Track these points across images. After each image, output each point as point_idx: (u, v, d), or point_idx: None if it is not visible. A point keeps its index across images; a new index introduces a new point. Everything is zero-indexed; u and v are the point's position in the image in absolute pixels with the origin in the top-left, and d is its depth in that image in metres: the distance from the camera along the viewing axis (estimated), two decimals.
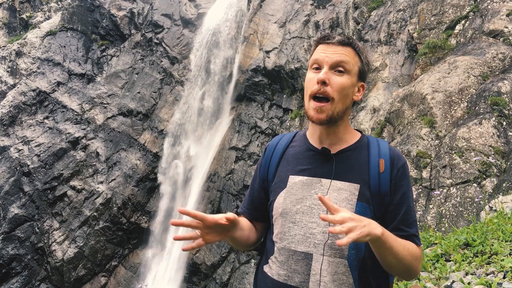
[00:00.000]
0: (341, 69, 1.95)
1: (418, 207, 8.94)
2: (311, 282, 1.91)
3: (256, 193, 2.24)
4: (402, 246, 1.85)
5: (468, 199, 8.21)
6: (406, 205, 1.98)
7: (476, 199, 7.98)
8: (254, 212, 2.25)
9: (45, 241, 19.87)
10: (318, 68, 1.98)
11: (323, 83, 1.92)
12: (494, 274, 3.96)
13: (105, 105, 22.34)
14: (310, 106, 1.97)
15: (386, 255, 1.82)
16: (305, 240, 1.94)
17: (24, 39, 24.88)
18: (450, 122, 10.04)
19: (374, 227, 1.73)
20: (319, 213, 1.93)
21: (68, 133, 21.61)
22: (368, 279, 1.95)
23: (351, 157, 2.02)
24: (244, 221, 2.18)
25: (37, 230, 20.06)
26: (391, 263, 1.85)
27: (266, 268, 2.08)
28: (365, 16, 17.92)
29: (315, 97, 1.96)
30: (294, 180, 2.04)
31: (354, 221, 1.67)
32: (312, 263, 1.92)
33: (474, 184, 8.45)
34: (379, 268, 1.94)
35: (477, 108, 9.84)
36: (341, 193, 1.95)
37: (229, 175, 18.38)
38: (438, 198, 8.62)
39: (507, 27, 11.55)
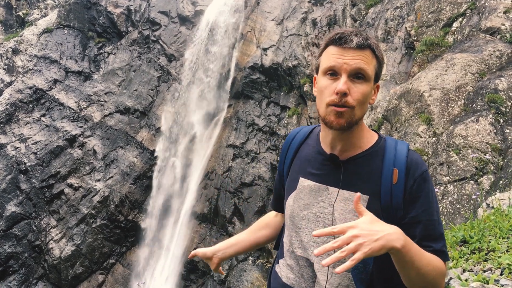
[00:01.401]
0: (360, 75, 1.80)
1: None
2: None
3: (278, 186, 2.26)
4: (427, 260, 1.69)
5: (465, 196, 8.23)
6: (426, 218, 1.79)
7: (473, 196, 7.99)
8: (280, 204, 2.26)
9: (42, 239, 19.83)
10: (334, 74, 1.81)
11: (344, 94, 1.76)
12: (491, 271, 3.97)
13: (102, 102, 22.28)
14: (330, 111, 1.81)
15: (406, 268, 1.67)
16: (309, 247, 1.90)
17: (21, 36, 24.78)
18: (447, 119, 10.05)
19: (393, 239, 1.57)
20: (324, 222, 1.87)
21: (65, 130, 21.56)
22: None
23: (362, 165, 1.88)
24: (245, 234, 2.43)
25: (34, 228, 20.02)
26: (411, 277, 1.69)
27: (277, 268, 2.08)
28: (363, 14, 17.90)
29: (333, 105, 1.81)
30: (304, 183, 1.97)
31: (361, 237, 1.52)
32: (315, 271, 1.88)
33: (471, 181, 8.47)
34: (391, 282, 1.82)
35: (474, 105, 9.86)
36: (348, 204, 1.83)
37: (227, 173, 18.37)
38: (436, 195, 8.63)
39: (504, 25, 11.56)
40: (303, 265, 1.92)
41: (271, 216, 2.42)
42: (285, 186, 2.10)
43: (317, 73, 1.94)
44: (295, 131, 2.20)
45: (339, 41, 1.81)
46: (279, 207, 2.30)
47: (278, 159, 19.87)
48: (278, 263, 2.08)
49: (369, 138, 1.94)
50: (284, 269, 2.01)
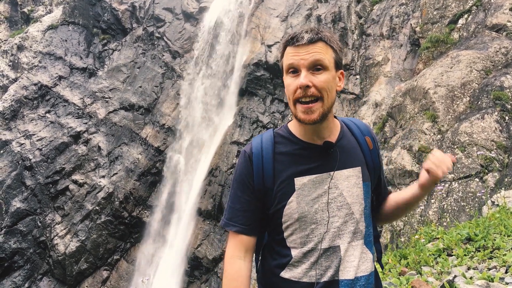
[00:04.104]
0: (319, 67, 1.92)
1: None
2: (341, 271, 1.97)
3: (251, 206, 2.07)
4: None
5: (470, 194, 8.21)
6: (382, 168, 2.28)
7: (478, 194, 7.97)
8: (256, 226, 2.10)
9: (47, 235, 19.93)
10: (295, 71, 1.94)
11: (307, 87, 1.89)
12: (496, 268, 3.96)
13: (106, 99, 22.33)
14: (298, 109, 1.94)
15: (420, 200, 2.19)
16: (332, 235, 1.98)
17: (26, 33, 24.83)
18: (453, 116, 10.02)
19: None
20: (337, 205, 2.00)
21: (70, 127, 21.62)
22: (372, 248, 2.13)
23: (345, 144, 2.09)
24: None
25: (39, 224, 20.12)
26: (414, 208, 2.23)
27: (285, 274, 2.02)
28: (368, 10, 17.85)
29: (300, 100, 1.93)
30: (302, 181, 1.99)
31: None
32: (341, 254, 1.97)
33: (476, 179, 8.44)
34: (376, 236, 2.19)
35: (479, 102, 9.81)
36: (350, 180, 2.03)
37: (231, 170, 18.38)
38: (440, 192, 8.62)
39: (510, 21, 11.50)
40: (328, 255, 1.98)
41: (242, 266, 2.07)
42: (273, 196, 2.03)
43: (283, 75, 2.07)
44: (256, 143, 2.11)
45: (292, 41, 1.96)
46: (255, 229, 2.11)
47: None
48: (282, 269, 2.03)
49: (336, 122, 2.15)
50: (299, 270, 1.99)
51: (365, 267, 2.01)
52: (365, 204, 2.04)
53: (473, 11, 12.84)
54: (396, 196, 2.23)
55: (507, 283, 3.53)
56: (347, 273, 1.96)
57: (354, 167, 2.04)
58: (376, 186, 2.21)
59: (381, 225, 2.46)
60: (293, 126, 2.11)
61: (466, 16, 12.95)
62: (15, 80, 23.46)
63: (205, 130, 20.70)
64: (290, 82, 1.96)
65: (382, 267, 2.37)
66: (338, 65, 2.01)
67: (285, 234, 2.03)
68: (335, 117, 2.16)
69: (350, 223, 1.99)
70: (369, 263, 2.04)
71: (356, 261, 1.98)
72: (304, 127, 2.04)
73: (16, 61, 23.99)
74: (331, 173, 2.00)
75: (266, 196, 2.04)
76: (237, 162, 2.15)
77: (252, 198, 2.07)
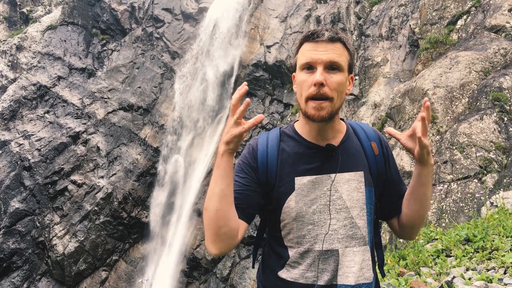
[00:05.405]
0: (334, 67, 1.93)
1: None
2: (339, 276, 1.94)
3: (246, 190, 2.01)
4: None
5: (468, 195, 8.21)
6: (399, 174, 2.23)
7: (477, 195, 7.97)
8: (245, 211, 2.00)
9: (46, 235, 19.91)
10: (310, 68, 1.94)
11: (321, 84, 1.89)
12: (495, 269, 3.97)
13: (105, 99, 22.32)
14: (309, 105, 1.93)
15: (428, 185, 1.99)
16: (329, 238, 1.95)
17: (25, 33, 24.82)
18: (451, 117, 10.02)
19: None
20: (335, 208, 1.97)
21: (69, 127, 21.61)
22: (374, 256, 2.09)
23: (349, 147, 2.07)
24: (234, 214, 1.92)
25: (38, 225, 20.10)
26: (427, 196, 2.02)
27: (283, 274, 2.02)
28: (367, 11, 17.87)
29: (312, 97, 1.92)
30: (302, 181, 1.99)
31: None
32: (339, 258, 1.95)
33: (475, 180, 8.45)
34: (377, 242, 2.13)
35: (478, 103, 9.83)
36: (351, 184, 2.00)
37: None
38: (439, 193, 8.62)
39: (509, 22, 11.52)
40: (324, 257, 1.95)
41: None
42: (274, 193, 2.02)
43: (294, 70, 2.06)
44: (262, 139, 2.14)
45: (312, 36, 1.96)
46: (244, 214, 1.99)
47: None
48: (280, 269, 2.03)
49: (342, 124, 2.15)
50: (297, 271, 1.98)
51: (368, 274, 1.99)
52: (367, 209, 2.01)
53: (472, 12, 12.86)
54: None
55: (505, 284, 3.53)
56: (346, 279, 1.94)
57: (356, 171, 2.02)
58: (384, 194, 2.14)
59: (406, 238, 2.37)
60: (299, 126, 2.12)
61: (465, 17, 12.97)
62: (14, 80, 23.45)
63: (204, 131, 20.71)
64: (305, 78, 1.95)
65: (383, 275, 2.31)
66: (350, 69, 2.02)
67: (283, 232, 2.03)
68: (342, 120, 2.15)
69: (349, 227, 1.97)
70: (372, 270, 2.02)
71: (356, 267, 1.95)
72: (310, 126, 2.04)
73: (15, 61, 23.98)
74: (332, 175, 1.98)
75: (268, 191, 2.04)
76: (242, 153, 2.14)
77: (249, 185, 2.04)
